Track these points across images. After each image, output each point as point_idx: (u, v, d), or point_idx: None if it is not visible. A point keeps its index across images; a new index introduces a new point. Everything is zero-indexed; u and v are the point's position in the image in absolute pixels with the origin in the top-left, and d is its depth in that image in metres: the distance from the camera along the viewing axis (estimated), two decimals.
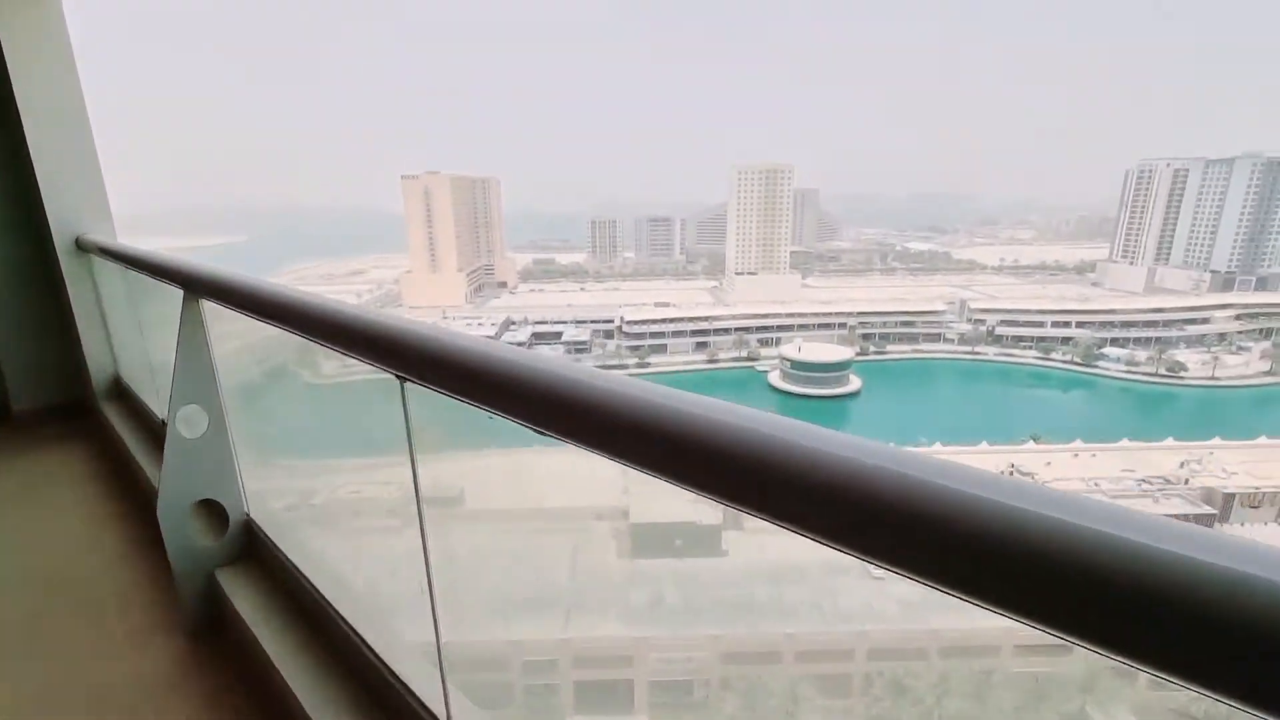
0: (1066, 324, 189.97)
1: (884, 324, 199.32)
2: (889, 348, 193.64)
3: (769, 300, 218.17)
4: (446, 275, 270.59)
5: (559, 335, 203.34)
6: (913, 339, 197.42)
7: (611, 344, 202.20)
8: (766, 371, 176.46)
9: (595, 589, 72.92)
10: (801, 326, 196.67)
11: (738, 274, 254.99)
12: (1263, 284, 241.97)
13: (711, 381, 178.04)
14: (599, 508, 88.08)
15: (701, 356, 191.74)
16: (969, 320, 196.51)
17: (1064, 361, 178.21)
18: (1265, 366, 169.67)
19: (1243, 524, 70.89)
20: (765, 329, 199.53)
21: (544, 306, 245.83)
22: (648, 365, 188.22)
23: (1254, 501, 71.73)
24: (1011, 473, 67.65)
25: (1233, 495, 71.17)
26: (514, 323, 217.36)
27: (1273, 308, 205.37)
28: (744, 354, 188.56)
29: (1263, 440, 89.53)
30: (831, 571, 73.63)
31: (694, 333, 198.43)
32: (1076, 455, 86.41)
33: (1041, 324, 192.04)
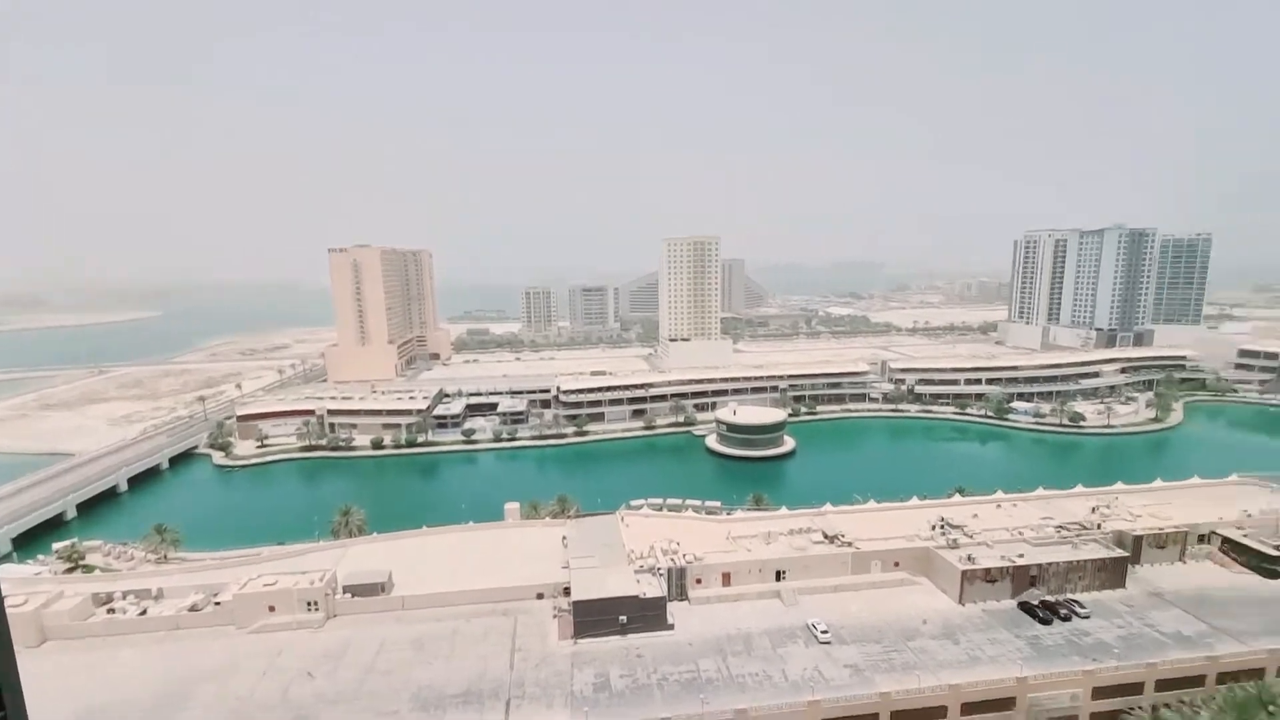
0: (978, 380, 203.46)
1: (813, 385, 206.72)
2: (819, 408, 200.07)
3: (703, 366, 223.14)
4: (376, 348, 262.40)
5: (494, 407, 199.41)
6: (840, 399, 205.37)
7: (549, 414, 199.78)
8: (704, 436, 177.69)
9: (538, 674, 68.95)
10: (736, 390, 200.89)
11: (671, 340, 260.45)
12: (1139, 339, 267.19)
13: (650, 448, 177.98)
14: (540, 585, 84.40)
15: (639, 423, 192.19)
16: (890, 380, 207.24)
17: (979, 416, 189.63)
18: (1151, 414, 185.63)
19: (1152, 564, 75.42)
20: (701, 394, 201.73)
21: (479, 377, 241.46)
22: (586, 434, 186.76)
23: (1160, 542, 76.60)
24: (941, 525, 70.08)
25: (1141, 537, 75.80)
26: (448, 395, 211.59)
27: (1150, 361, 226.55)
28: (681, 419, 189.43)
29: (1159, 483, 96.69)
30: (779, 638, 72.68)
31: (631, 400, 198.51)
32: (999, 506, 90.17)
33: (955, 381, 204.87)
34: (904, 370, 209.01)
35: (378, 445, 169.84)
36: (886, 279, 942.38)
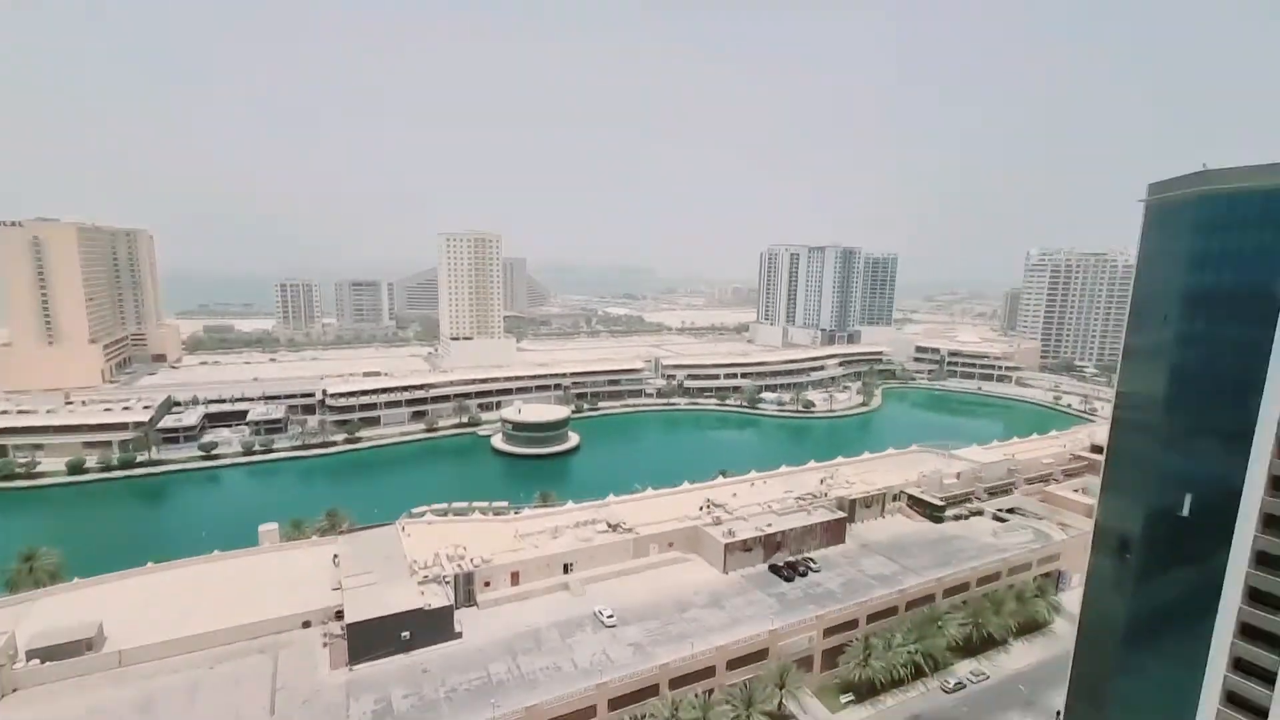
0: (735, 375, 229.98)
1: (594, 383, 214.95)
2: (601, 404, 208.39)
3: (487, 365, 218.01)
4: (72, 348, 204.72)
5: (243, 415, 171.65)
6: (620, 395, 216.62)
7: (313, 420, 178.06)
8: (490, 435, 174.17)
9: (306, 713, 62.10)
10: (520, 389, 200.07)
11: (453, 339, 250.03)
12: (851, 338, 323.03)
13: (433, 451, 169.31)
14: (306, 612, 75.79)
15: (420, 426, 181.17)
16: (663, 376, 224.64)
17: (736, 406, 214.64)
18: (860, 399, 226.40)
19: (863, 521, 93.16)
20: (485, 393, 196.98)
21: (222, 382, 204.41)
22: (359, 441, 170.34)
23: (868, 503, 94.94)
24: (708, 505, 77.97)
25: (855, 500, 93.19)
26: (178, 404, 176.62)
27: (859, 356, 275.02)
28: (465, 420, 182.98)
29: (866, 455, 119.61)
30: (567, 629, 74.61)
31: (410, 402, 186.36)
32: (753, 484, 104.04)
33: (716, 376, 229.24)
34: (674, 367, 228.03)
35: (77, 469, 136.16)
36: (658, 282, 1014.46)
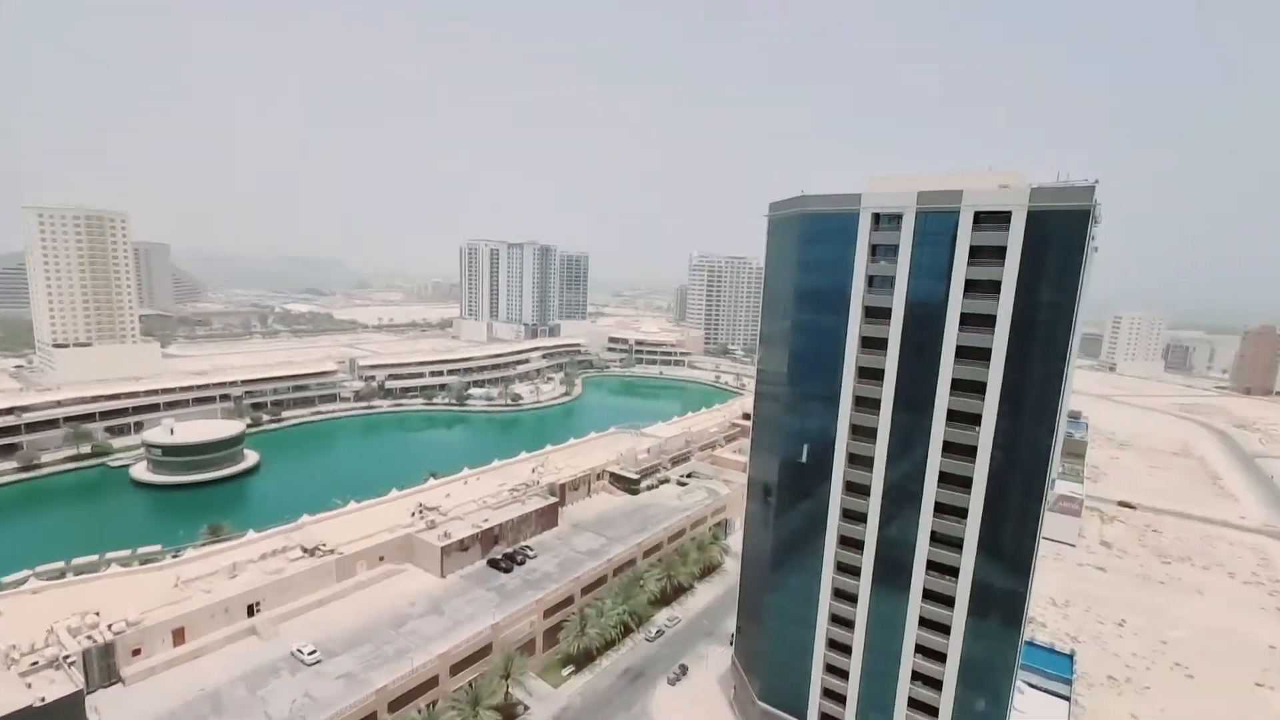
0: (440, 373, 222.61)
1: (275, 390, 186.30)
2: (285, 414, 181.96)
3: (117, 377, 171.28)
4: None
5: None
6: (309, 401, 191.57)
7: None
8: (128, 465, 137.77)
9: None
10: (171, 404, 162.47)
11: (59, 346, 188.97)
12: (552, 331, 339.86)
13: (32, 496, 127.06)
14: None
15: (10, 464, 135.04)
16: (361, 378, 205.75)
17: (444, 405, 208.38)
18: (564, 389, 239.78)
19: (573, 503, 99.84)
20: (117, 413, 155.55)
21: None
22: None
23: (576, 485, 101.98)
24: (420, 510, 75.70)
25: (565, 484, 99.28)
26: None
27: (560, 348, 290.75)
28: (86, 449, 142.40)
29: (572, 441, 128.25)
30: (258, 679, 65.75)
31: None
32: (466, 482, 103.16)
33: (421, 374, 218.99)
34: (373, 367, 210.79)
35: None
36: (349, 276, 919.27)
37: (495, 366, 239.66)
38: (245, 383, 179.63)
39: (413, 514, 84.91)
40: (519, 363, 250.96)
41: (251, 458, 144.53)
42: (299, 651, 60.65)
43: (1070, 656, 71.41)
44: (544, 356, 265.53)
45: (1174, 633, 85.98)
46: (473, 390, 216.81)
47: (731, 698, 68.15)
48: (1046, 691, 64.65)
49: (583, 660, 72.61)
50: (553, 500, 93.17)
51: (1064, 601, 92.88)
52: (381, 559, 77.27)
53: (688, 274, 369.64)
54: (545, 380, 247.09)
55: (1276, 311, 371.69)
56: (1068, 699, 64.71)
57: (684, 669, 73.07)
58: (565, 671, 71.41)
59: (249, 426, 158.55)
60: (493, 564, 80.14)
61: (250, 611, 65.84)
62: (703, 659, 75.38)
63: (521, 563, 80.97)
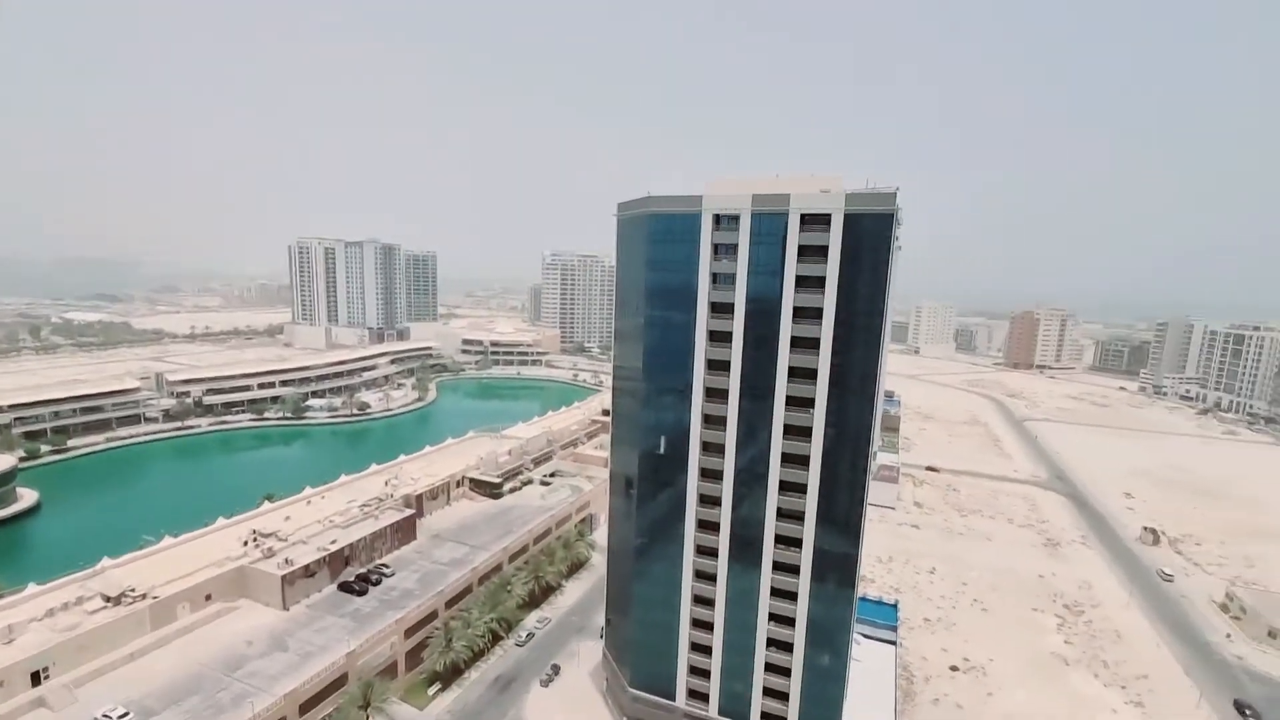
0: (271, 384, 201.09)
1: (57, 414, 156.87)
2: (71, 443, 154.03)
3: None
4: None
5: None
6: (105, 425, 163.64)
7: None
8: None
9: None
10: None
11: None
12: (401, 335, 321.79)
13: None
14: None
15: None
16: (173, 395, 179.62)
17: (278, 419, 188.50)
18: (416, 395, 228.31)
19: (432, 513, 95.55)
20: None
21: None
22: None
23: (434, 494, 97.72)
24: (255, 539, 69.19)
25: (421, 495, 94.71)
26: None
27: (410, 352, 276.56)
28: None
29: (428, 448, 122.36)
30: None
31: None
32: (309, 502, 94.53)
33: (248, 387, 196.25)
34: (187, 382, 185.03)
35: None
36: (149, 279, 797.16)
37: (338, 375, 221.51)
38: (14, 407, 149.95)
39: (245, 543, 76.51)
40: (365, 369, 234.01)
41: (28, 497, 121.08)
42: (106, 717, 52.38)
43: (895, 606, 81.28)
44: (393, 362, 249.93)
45: (971, 574, 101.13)
46: (312, 401, 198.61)
47: (604, 690, 69.45)
48: (877, 639, 73.07)
49: (450, 676, 69.98)
50: (409, 512, 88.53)
51: (888, 558, 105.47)
52: (209, 598, 68.84)
53: (541, 273, 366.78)
54: (395, 387, 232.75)
55: (1039, 297, 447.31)
56: (894, 643, 73.77)
57: (556, 669, 73.14)
58: (431, 690, 68.40)
59: (22, 460, 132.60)
60: (344, 588, 74.56)
61: (36, 679, 55.74)
62: (574, 656, 75.92)
63: (377, 582, 76.15)
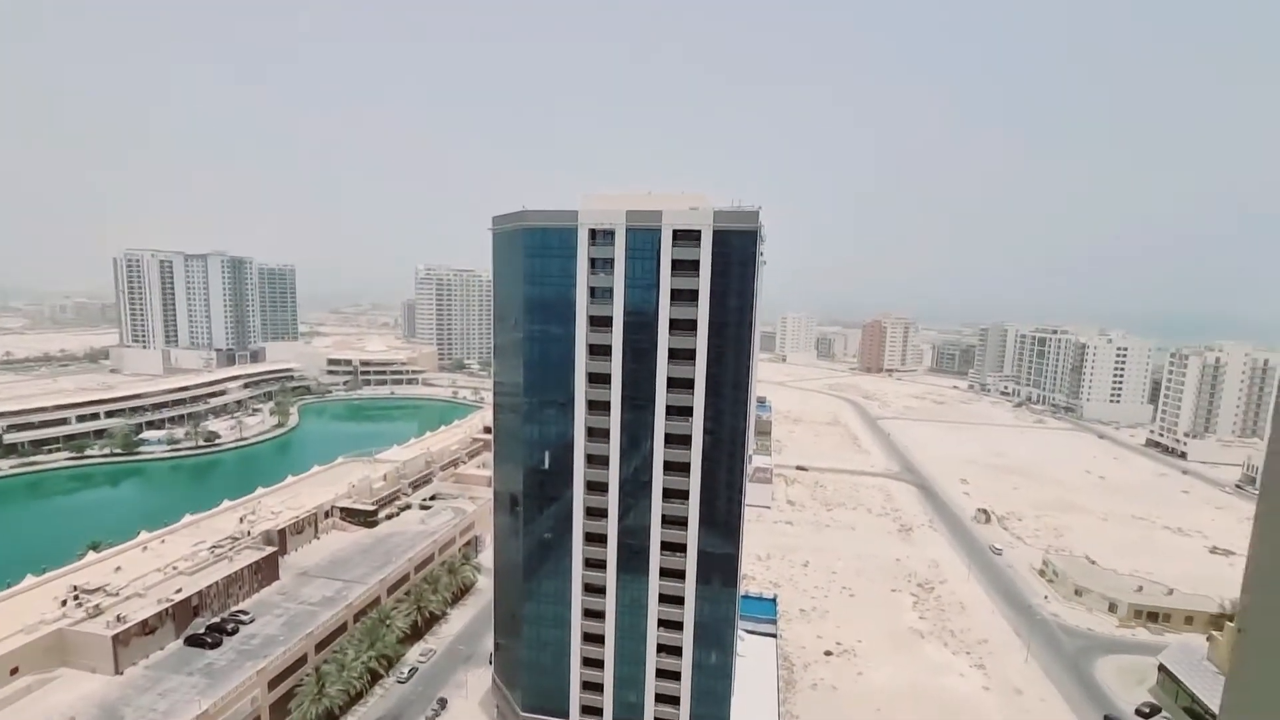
0: (95, 415, 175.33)
1: None
2: None
3: None
4: None
5: None
6: None
7: None
8: None
9: None
10: None
11: None
12: (255, 356, 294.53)
13: None
14: None
15: None
16: None
17: (104, 456, 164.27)
18: (275, 421, 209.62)
19: (297, 549, 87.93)
20: None
21: None
22: None
23: (299, 528, 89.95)
24: (76, 597, 60.93)
25: (284, 530, 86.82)
26: None
27: (266, 374, 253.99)
28: None
29: (290, 479, 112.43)
30: None
31: None
32: (146, 548, 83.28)
33: (65, 420, 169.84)
34: None
35: None
36: None
37: (179, 402, 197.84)
38: None
39: (64, 602, 66.20)
40: (212, 395, 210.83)
41: None
42: None
43: (773, 601, 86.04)
44: (245, 386, 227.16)
45: (838, 563, 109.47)
46: (147, 434, 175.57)
47: (495, 718, 67.37)
48: (759, 634, 77.00)
49: None
50: (270, 550, 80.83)
51: (766, 555, 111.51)
52: (14, 671, 58.71)
53: (415, 288, 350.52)
54: (250, 413, 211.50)
55: (885, 306, 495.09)
56: (775, 636, 78.13)
57: (443, 702, 69.94)
58: None
59: None
60: (193, 641, 66.59)
61: None
62: (462, 687, 73.00)
63: (233, 631, 68.75)
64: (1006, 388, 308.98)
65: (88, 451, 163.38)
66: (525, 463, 59.49)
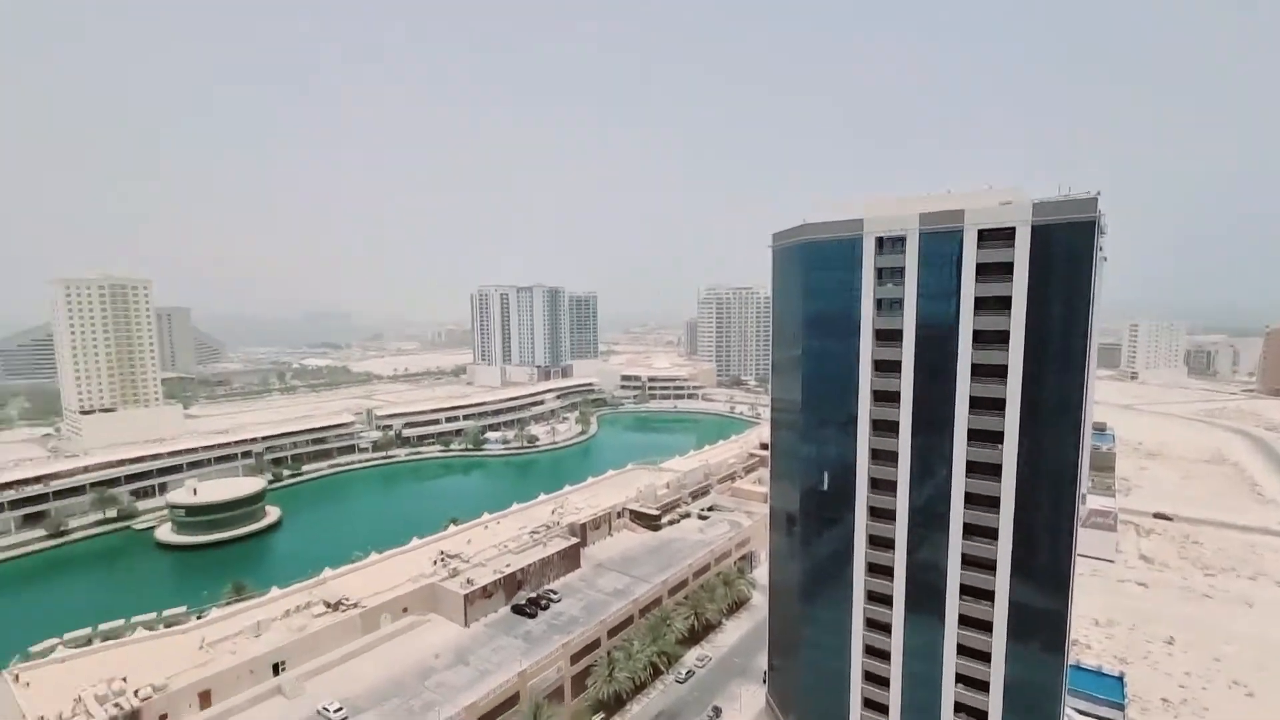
0: (455, 418, 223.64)
1: (294, 444, 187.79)
2: (305, 468, 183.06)
3: (141, 440, 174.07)
4: None
5: None
6: (328, 454, 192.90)
7: None
8: (153, 528, 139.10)
9: None
10: (194, 464, 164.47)
11: (85, 413, 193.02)
12: (565, 372, 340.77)
13: (61, 563, 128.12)
14: None
15: (37, 533, 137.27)
16: (378, 427, 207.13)
17: (461, 450, 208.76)
18: (580, 429, 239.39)
19: (595, 542, 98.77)
20: (142, 475, 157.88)
21: None
22: None
23: (597, 524, 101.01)
24: (441, 558, 75.01)
25: (585, 524, 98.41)
26: None
27: (573, 388, 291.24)
28: (114, 514, 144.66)
29: (590, 480, 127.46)
30: None
31: (18, 502, 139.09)
32: (486, 527, 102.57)
33: (437, 421, 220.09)
34: (390, 416, 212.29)
35: None
36: (361, 329, 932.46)
37: (510, 409, 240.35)
38: (265, 439, 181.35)
39: (434, 562, 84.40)
40: (534, 404, 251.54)
41: (273, 514, 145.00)
42: (325, 710, 59.78)
43: (1120, 679, 68.68)
44: (558, 397, 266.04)
45: (1227, 648, 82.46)
46: (488, 434, 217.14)
47: None
48: (1097, 717, 62.06)
49: (613, 706, 70.81)
50: (574, 541, 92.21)
51: (1107, 620, 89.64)
52: (405, 610, 76.57)
53: (696, 307, 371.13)
54: (561, 420, 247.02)
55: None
56: None
57: (717, 711, 70.99)
58: (596, 718, 69.63)
59: (270, 482, 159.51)
60: (517, 610, 79.06)
61: (276, 670, 65.25)
62: (735, 699, 73.20)
63: (546, 607, 79.82)
64: None
65: (450, 446, 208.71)
66: (803, 482, 57.48)
